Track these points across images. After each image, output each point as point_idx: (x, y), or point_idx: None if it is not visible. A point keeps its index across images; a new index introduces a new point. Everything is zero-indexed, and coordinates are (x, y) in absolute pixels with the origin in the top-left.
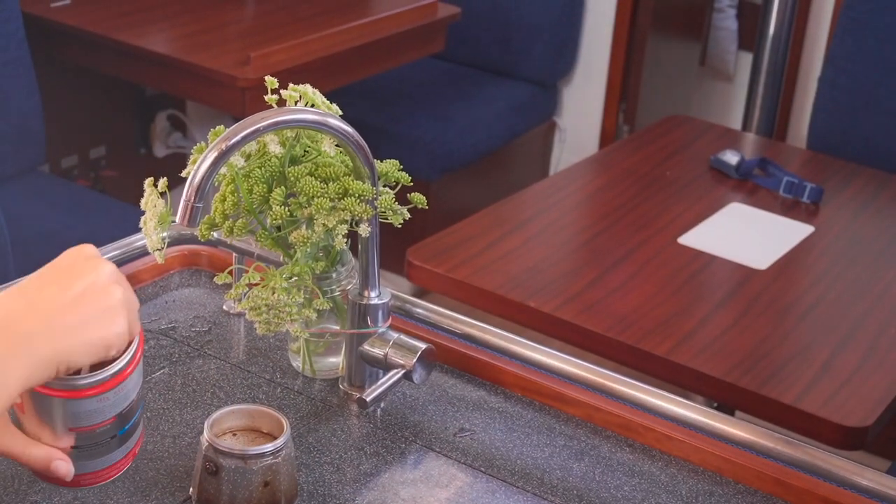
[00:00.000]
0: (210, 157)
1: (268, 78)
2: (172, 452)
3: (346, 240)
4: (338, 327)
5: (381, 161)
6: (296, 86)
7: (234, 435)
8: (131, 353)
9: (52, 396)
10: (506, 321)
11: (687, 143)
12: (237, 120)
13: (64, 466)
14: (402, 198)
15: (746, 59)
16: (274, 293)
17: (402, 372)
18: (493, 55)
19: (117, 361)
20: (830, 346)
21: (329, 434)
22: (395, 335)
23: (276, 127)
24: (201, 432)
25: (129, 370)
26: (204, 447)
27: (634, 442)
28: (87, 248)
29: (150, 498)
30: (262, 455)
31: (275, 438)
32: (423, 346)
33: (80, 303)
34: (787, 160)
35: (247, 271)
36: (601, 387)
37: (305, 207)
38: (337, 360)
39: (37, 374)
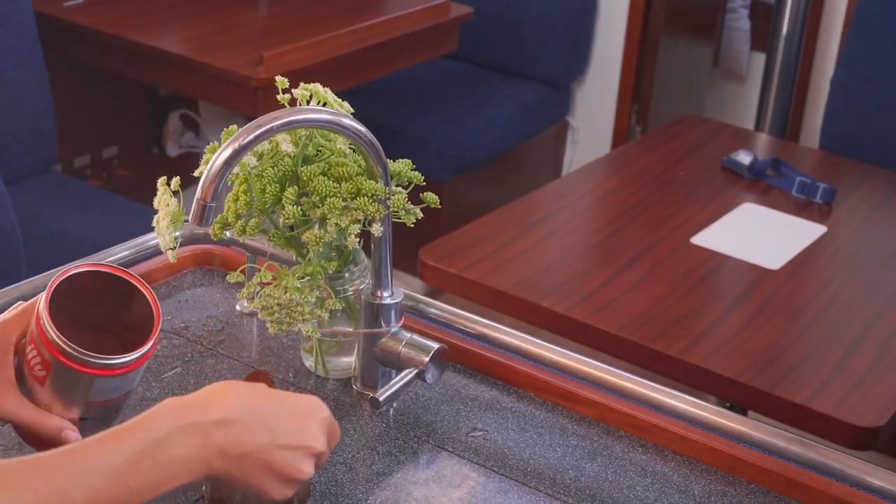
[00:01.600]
0: (223, 157)
1: (278, 78)
2: None
3: (358, 239)
4: (350, 327)
5: (394, 161)
6: (308, 85)
7: None
8: (156, 337)
9: (84, 373)
10: (519, 321)
11: (700, 143)
12: (250, 120)
13: (73, 436)
14: (414, 197)
15: (759, 59)
16: (286, 293)
17: (415, 372)
18: (505, 55)
19: (146, 344)
20: (843, 346)
21: (342, 434)
22: (407, 335)
23: (288, 126)
24: None
25: (151, 353)
26: None
27: (647, 442)
28: (326, 414)
29: (162, 497)
30: None
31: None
32: (435, 345)
33: (273, 457)
34: (799, 160)
35: (259, 271)
36: (614, 387)
37: (318, 207)
38: (350, 360)
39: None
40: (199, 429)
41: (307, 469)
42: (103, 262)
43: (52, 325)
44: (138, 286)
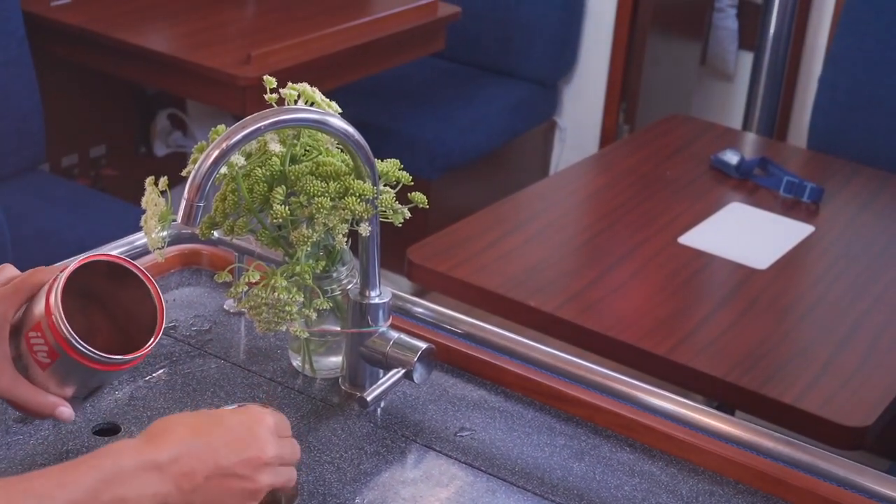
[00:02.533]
0: (211, 157)
1: (266, 77)
2: None
3: (346, 239)
4: (338, 327)
5: (382, 160)
6: (295, 84)
7: None
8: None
9: (91, 367)
10: (506, 320)
11: (687, 142)
12: (238, 119)
13: (67, 412)
14: (402, 197)
15: (747, 58)
16: (274, 292)
17: (403, 371)
18: (493, 54)
19: (150, 343)
20: (831, 345)
21: (329, 433)
22: (395, 334)
23: (276, 126)
24: None
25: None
26: None
27: (635, 441)
28: (267, 422)
29: None
30: None
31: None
32: (423, 345)
33: (227, 481)
34: (787, 160)
35: (247, 270)
36: (602, 386)
37: (306, 206)
38: (337, 360)
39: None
40: (156, 465)
41: (263, 479)
42: (111, 253)
43: (65, 322)
44: (144, 280)
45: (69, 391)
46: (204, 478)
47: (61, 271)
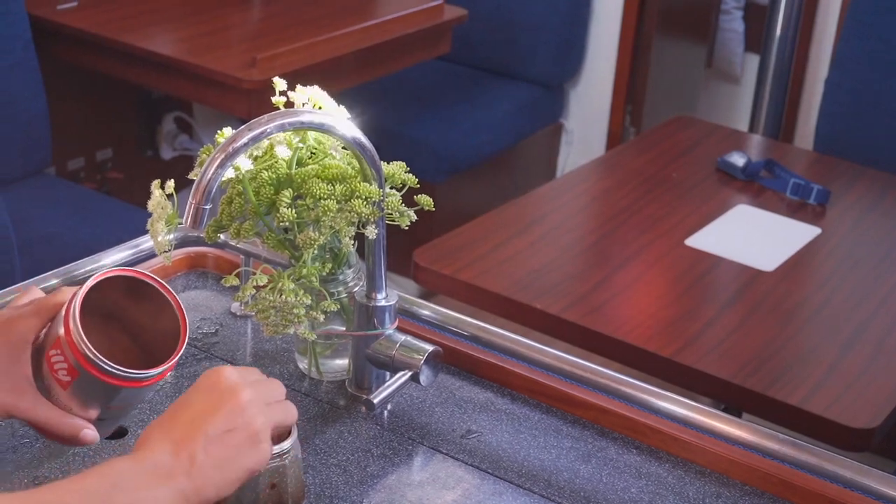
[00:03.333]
0: (217, 160)
1: (275, 79)
2: None
3: (352, 242)
4: (344, 329)
5: (388, 163)
6: (303, 87)
7: None
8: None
9: (112, 384)
10: (512, 323)
11: (693, 144)
12: (243, 122)
13: (91, 435)
14: (408, 200)
15: (753, 60)
16: (281, 295)
17: (409, 374)
18: (499, 57)
19: (175, 356)
20: (837, 347)
21: (336, 436)
22: (401, 337)
23: (282, 129)
24: None
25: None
26: None
27: (641, 444)
28: (226, 373)
29: None
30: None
31: (282, 440)
32: (429, 347)
33: (223, 440)
34: (793, 162)
35: (254, 273)
36: (608, 388)
37: (312, 209)
38: (344, 363)
39: (192, 486)
40: (155, 466)
41: (256, 419)
42: (132, 268)
43: (84, 337)
44: (166, 294)
45: (93, 412)
46: (203, 452)
47: (79, 288)
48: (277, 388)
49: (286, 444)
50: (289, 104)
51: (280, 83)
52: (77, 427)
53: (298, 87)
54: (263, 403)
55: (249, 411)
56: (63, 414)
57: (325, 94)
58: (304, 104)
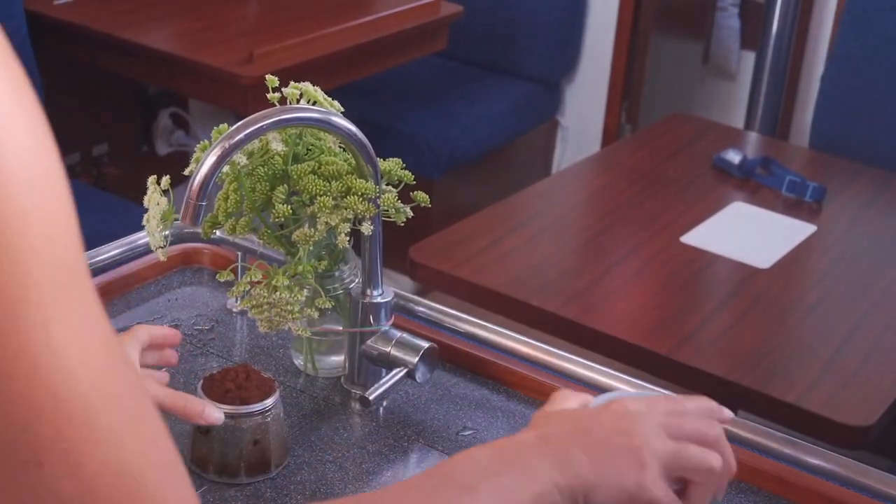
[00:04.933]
0: (213, 156)
1: (268, 76)
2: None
3: (348, 238)
4: (340, 326)
5: (384, 159)
6: (298, 83)
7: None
8: None
9: None
10: (508, 320)
11: (689, 141)
12: (240, 118)
13: (216, 414)
14: (404, 196)
15: (749, 57)
16: (276, 291)
17: (405, 370)
18: (495, 53)
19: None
20: (833, 345)
21: (331, 433)
22: (397, 334)
23: (279, 125)
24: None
25: None
26: None
27: None
28: (635, 405)
29: None
30: (252, 414)
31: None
32: (425, 344)
33: (604, 442)
34: (789, 159)
35: (249, 269)
36: (604, 386)
37: (308, 206)
38: (339, 359)
39: (564, 481)
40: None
41: (646, 435)
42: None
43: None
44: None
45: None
46: (578, 449)
47: None
48: (705, 425)
49: (269, 402)
50: (284, 100)
51: (273, 80)
52: (203, 404)
53: (293, 82)
54: (664, 431)
55: (641, 426)
56: (187, 395)
57: (319, 89)
58: (298, 100)
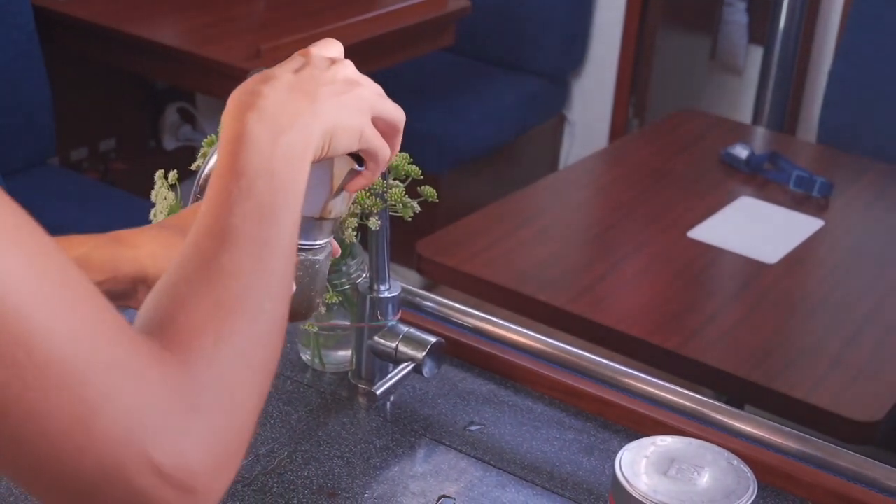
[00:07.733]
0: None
1: None
2: None
3: (356, 233)
4: (348, 321)
5: None
6: None
7: None
8: None
9: None
10: (516, 315)
11: (697, 137)
12: None
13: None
14: (412, 191)
15: (757, 53)
16: None
17: (412, 365)
18: (502, 49)
19: None
20: (841, 340)
21: (339, 427)
22: (404, 328)
23: None
24: None
25: None
26: None
27: (645, 436)
28: (330, 48)
29: None
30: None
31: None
32: (432, 339)
33: (337, 92)
34: (797, 154)
35: None
36: (611, 381)
37: None
38: (346, 354)
39: (326, 129)
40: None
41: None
42: None
43: None
44: None
45: None
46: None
47: None
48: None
49: (322, 241)
50: None
51: None
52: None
53: None
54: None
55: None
56: None
57: None
58: None
